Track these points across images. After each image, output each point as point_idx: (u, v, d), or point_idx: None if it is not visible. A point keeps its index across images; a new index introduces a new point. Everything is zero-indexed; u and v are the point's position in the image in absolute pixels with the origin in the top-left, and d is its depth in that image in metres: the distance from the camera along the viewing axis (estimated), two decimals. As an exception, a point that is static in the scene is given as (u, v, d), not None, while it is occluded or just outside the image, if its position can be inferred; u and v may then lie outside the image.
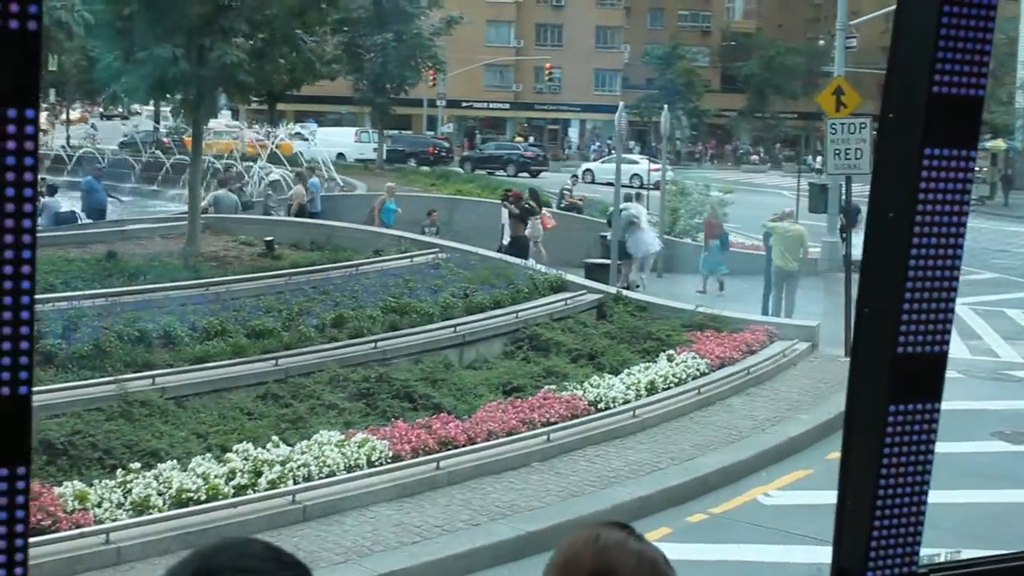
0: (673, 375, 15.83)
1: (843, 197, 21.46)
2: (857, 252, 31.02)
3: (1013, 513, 12.37)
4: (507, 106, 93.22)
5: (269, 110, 48.75)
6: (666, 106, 32.14)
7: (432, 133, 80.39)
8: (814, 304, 23.42)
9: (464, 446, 12.33)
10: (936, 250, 2.14)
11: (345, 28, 43.00)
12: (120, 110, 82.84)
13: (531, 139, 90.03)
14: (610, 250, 25.38)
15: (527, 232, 25.29)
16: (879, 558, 2.24)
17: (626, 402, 14.61)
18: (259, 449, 11.38)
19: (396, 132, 72.07)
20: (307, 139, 43.03)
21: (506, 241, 25.49)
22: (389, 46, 43.53)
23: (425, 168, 61.92)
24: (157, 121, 57.05)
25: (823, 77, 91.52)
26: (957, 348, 21.09)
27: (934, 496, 2.24)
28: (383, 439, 11.94)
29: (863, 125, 18.80)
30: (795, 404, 15.78)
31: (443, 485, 11.59)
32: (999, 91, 72.03)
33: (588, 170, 64.42)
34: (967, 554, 2.79)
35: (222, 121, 64.39)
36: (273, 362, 14.10)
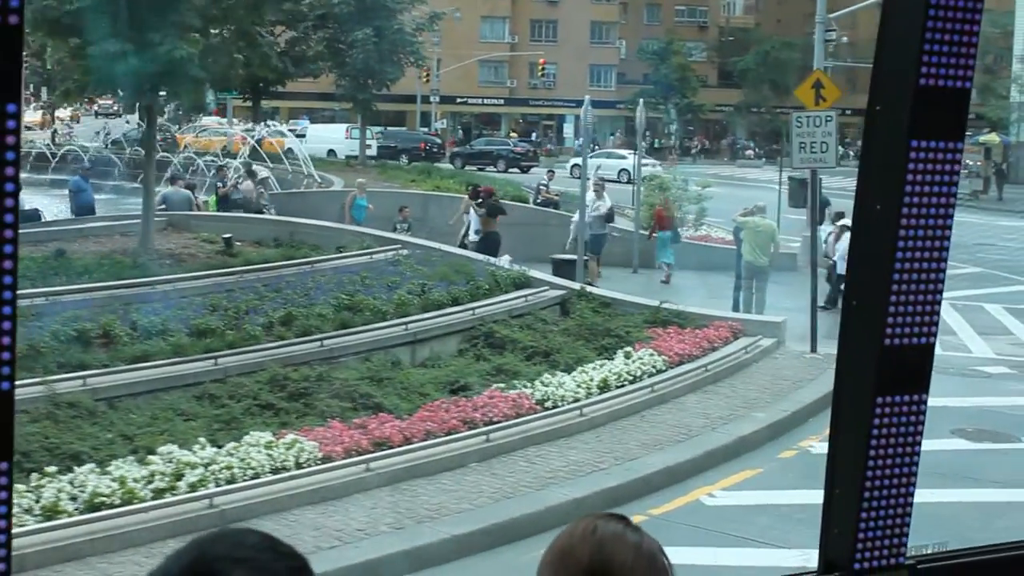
0: (628, 373, 15.56)
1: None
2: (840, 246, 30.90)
3: (967, 514, 12.09)
4: (502, 102, 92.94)
5: (253, 107, 48.42)
6: (640, 100, 31.94)
7: (425, 130, 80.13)
8: (789, 300, 23.12)
9: (399, 446, 12.06)
10: (923, 242, 2.17)
11: (328, 24, 42.75)
12: (117, 107, 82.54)
13: (533, 135, 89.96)
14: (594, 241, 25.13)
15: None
16: (866, 549, 2.27)
17: (575, 400, 14.34)
18: (184, 451, 11.12)
19: (387, 128, 71.83)
20: (286, 135, 42.70)
21: (472, 237, 25.17)
22: (370, 42, 43.19)
23: (416, 164, 61.92)
24: (143, 119, 56.71)
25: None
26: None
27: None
28: (314, 440, 11.68)
29: (829, 118, 18.50)
30: (751, 402, 15.49)
31: (372, 487, 11.31)
32: (996, 85, 71.72)
33: (576, 165, 63.98)
34: (954, 546, 2.78)
35: (214, 119, 64.34)
36: (213, 362, 13.82)
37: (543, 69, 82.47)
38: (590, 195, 26.61)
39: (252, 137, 38.71)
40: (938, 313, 2.23)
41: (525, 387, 14.41)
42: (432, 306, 17.45)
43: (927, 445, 9.99)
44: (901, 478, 2.30)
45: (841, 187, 58.27)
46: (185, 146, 39.59)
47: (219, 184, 30.38)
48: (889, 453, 2.29)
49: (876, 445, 2.26)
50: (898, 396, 2.25)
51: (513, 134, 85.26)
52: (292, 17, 41.88)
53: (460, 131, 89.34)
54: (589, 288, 20.16)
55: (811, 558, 2.66)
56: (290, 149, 60.70)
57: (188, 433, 11.82)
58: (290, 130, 69.74)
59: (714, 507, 12.09)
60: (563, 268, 22.47)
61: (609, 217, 25.61)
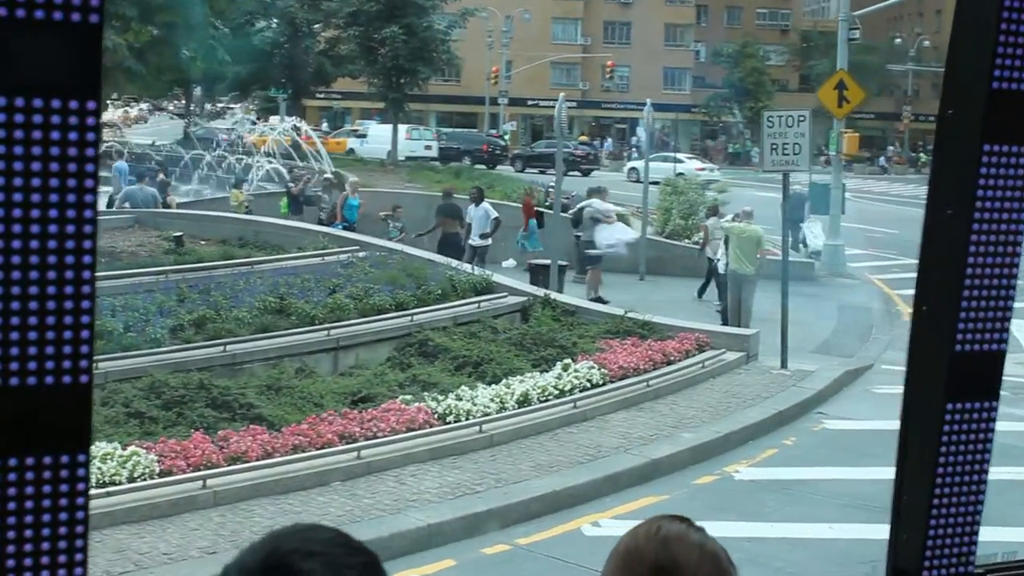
0: (556, 387, 14.56)
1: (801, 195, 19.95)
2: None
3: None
4: (574, 104, 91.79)
5: (294, 105, 48.01)
6: (648, 101, 30.63)
7: (493, 131, 79.52)
8: (798, 311, 21.93)
9: (255, 461, 11.22)
10: (995, 247, 2.16)
11: (359, 22, 42.13)
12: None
13: (607, 140, 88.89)
14: (580, 250, 24.16)
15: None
16: (935, 557, 2.25)
17: (485, 415, 13.40)
18: None
19: (450, 129, 71.32)
20: (311, 136, 42.12)
21: (476, 242, 24.29)
22: (399, 39, 42.43)
23: (480, 166, 61.27)
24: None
25: (901, 76, 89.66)
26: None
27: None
28: (157, 453, 10.88)
29: (802, 118, 17.38)
30: (685, 421, 14.41)
31: (206, 506, 10.48)
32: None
33: (633, 168, 62.91)
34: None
35: (276, 118, 64.31)
36: (94, 365, 13.08)
37: (612, 72, 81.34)
38: (600, 201, 25.60)
39: (278, 135, 38.16)
40: (1009, 319, 2.20)
41: (434, 400, 13.49)
42: (371, 311, 16.63)
43: (867, 474, 8.74)
44: (970, 486, 2.27)
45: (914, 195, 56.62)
46: (216, 143, 39.17)
47: (289, 185, 30.08)
48: (959, 460, 2.25)
49: (946, 452, 2.24)
50: (968, 403, 2.24)
51: (583, 137, 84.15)
52: (327, 16, 41.36)
53: (530, 134, 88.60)
54: (554, 295, 19.14)
55: None
56: (351, 149, 60.74)
57: None
58: (352, 131, 69.94)
59: (593, 537, 11.06)
60: (541, 273, 21.48)
61: (576, 220, 24.31)
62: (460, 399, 13.62)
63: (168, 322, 14.70)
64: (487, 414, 13.45)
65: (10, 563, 1.52)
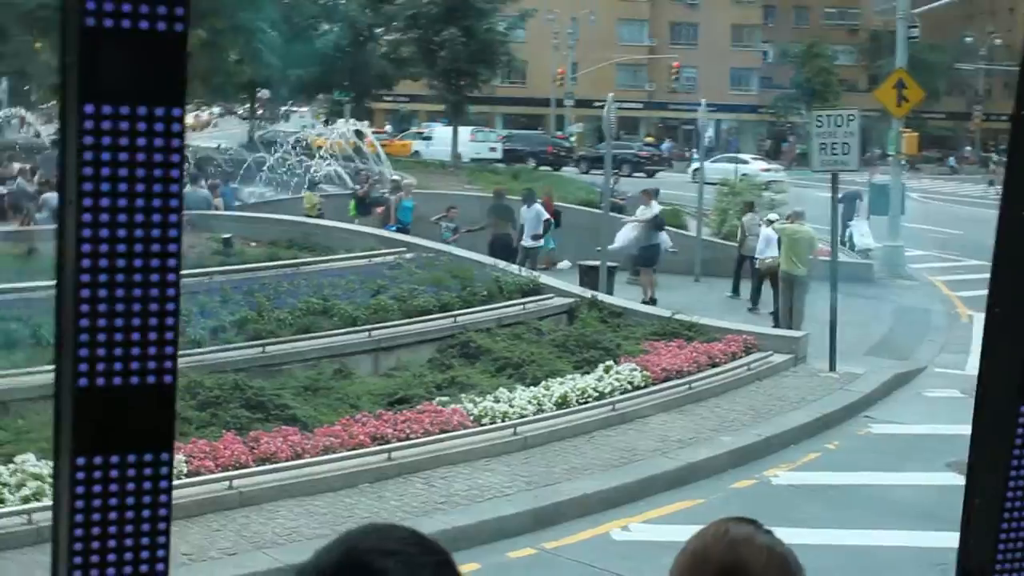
0: (596, 389, 14.38)
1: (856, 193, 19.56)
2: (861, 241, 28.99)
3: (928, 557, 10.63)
4: (640, 106, 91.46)
5: (359, 108, 48.16)
6: (703, 101, 30.31)
7: (560, 133, 79.36)
8: (853, 313, 21.58)
9: (285, 462, 11.17)
10: None
11: (418, 24, 42.19)
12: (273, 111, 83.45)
13: (669, 142, 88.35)
14: (648, 252, 23.85)
15: None
16: (1006, 560, 2.24)
17: (521, 417, 13.25)
18: (43, 461, 10.43)
19: (514, 131, 71.24)
20: (371, 139, 42.08)
21: (528, 243, 24.16)
22: (458, 41, 42.40)
23: (545, 168, 61.08)
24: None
25: (973, 76, 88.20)
26: (977, 363, 18.95)
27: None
28: (185, 454, 10.85)
29: (851, 117, 17.02)
30: (725, 424, 14.18)
31: (231, 507, 10.45)
32: None
33: (697, 169, 62.40)
34: None
35: (342, 120, 64.63)
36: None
37: (678, 73, 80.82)
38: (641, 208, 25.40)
39: (337, 137, 38.20)
40: None
41: (471, 402, 13.37)
42: (414, 312, 16.54)
43: (911, 479, 8.51)
44: None
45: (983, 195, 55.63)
46: (279, 146, 39.30)
47: (356, 187, 30.16)
48: None
49: (1019, 455, 2.19)
50: None
51: (649, 138, 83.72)
52: (387, 19, 41.46)
53: (596, 135, 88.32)
54: (601, 297, 18.94)
55: None
56: (416, 152, 60.87)
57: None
58: (417, 133, 70.05)
59: (623, 542, 10.90)
60: (591, 275, 21.28)
61: (658, 225, 24.14)
62: (497, 401, 13.50)
63: (209, 323, 14.71)
64: (523, 416, 13.30)
65: (94, 558, 1.55)
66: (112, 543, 1.55)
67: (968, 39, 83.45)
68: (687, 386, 15.13)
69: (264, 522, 10.21)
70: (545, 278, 19.48)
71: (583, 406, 13.93)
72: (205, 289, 16.03)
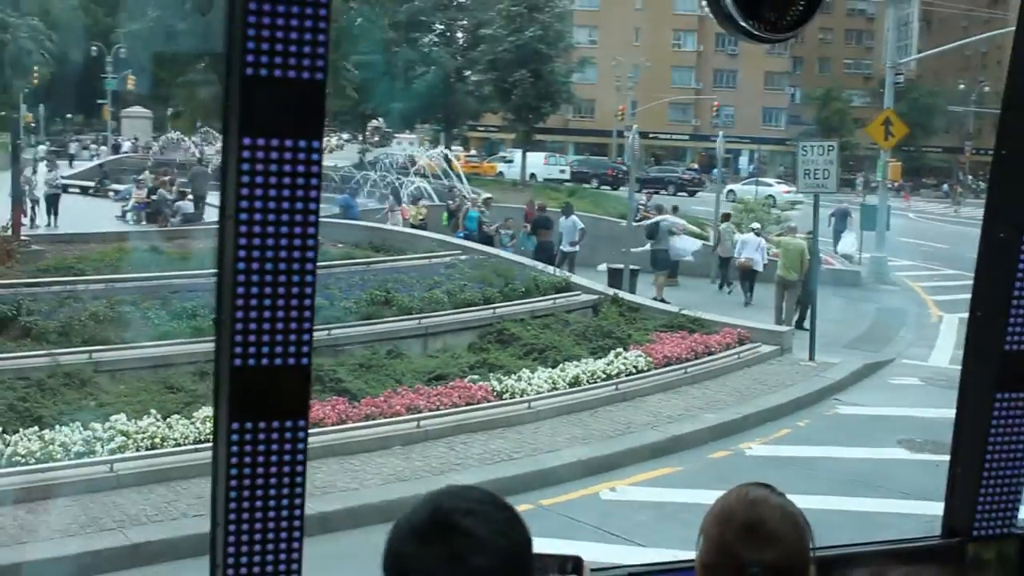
0: (604, 371, 14.00)
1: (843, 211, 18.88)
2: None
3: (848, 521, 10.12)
4: (687, 137, 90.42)
5: (451, 135, 48.07)
6: (720, 133, 29.69)
7: (619, 158, 78.73)
8: (839, 312, 20.94)
9: (331, 426, 10.97)
10: None
11: (496, 67, 42.06)
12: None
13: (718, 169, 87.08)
14: (656, 257, 23.34)
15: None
16: (983, 519, 2.29)
17: (537, 394, 12.92)
18: (132, 421, 10.34)
19: (582, 157, 70.73)
20: (453, 161, 41.90)
21: (566, 248, 23.73)
22: (527, 82, 42.13)
23: (605, 187, 60.58)
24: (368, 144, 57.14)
25: (965, 116, 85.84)
26: (939, 356, 18.28)
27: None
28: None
29: (831, 148, 16.42)
30: (712, 404, 13.70)
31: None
32: None
33: (731, 190, 61.40)
34: None
35: (440, 146, 64.63)
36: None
37: (717, 111, 79.82)
38: (674, 217, 24.86)
39: (428, 159, 38.10)
40: None
41: (497, 380, 13.06)
42: (462, 304, 16.28)
43: (865, 454, 8.06)
44: (1015, 462, 2.26)
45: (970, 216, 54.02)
46: (379, 165, 39.21)
47: (450, 202, 30.11)
48: (1005, 440, 2.25)
49: (995, 434, 2.23)
50: (1014, 393, 2.23)
51: (694, 164, 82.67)
52: (471, 63, 41.43)
53: (653, 160, 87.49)
54: (621, 294, 18.51)
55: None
56: (501, 172, 60.68)
57: (150, 404, 11.04)
58: (501, 157, 69.81)
59: (609, 501, 10.52)
60: (617, 276, 20.85)
61: (650, 234, 23.38)
62: (519, 380, 13.19)
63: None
64: (540, 393, 12.98)
65: (245, 504, 1.61)
66: (259, 492, 1.64)
67: (961, 86, 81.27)
68: (684, 371, 14.69)
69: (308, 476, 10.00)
70: (580, 278, 19.10)
71: (591, 385, 13.56)
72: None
